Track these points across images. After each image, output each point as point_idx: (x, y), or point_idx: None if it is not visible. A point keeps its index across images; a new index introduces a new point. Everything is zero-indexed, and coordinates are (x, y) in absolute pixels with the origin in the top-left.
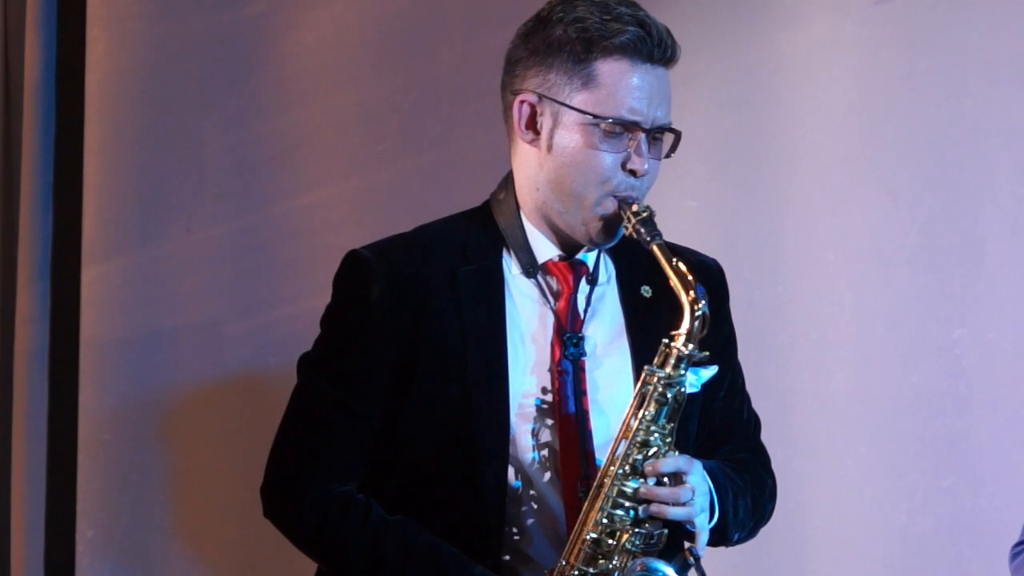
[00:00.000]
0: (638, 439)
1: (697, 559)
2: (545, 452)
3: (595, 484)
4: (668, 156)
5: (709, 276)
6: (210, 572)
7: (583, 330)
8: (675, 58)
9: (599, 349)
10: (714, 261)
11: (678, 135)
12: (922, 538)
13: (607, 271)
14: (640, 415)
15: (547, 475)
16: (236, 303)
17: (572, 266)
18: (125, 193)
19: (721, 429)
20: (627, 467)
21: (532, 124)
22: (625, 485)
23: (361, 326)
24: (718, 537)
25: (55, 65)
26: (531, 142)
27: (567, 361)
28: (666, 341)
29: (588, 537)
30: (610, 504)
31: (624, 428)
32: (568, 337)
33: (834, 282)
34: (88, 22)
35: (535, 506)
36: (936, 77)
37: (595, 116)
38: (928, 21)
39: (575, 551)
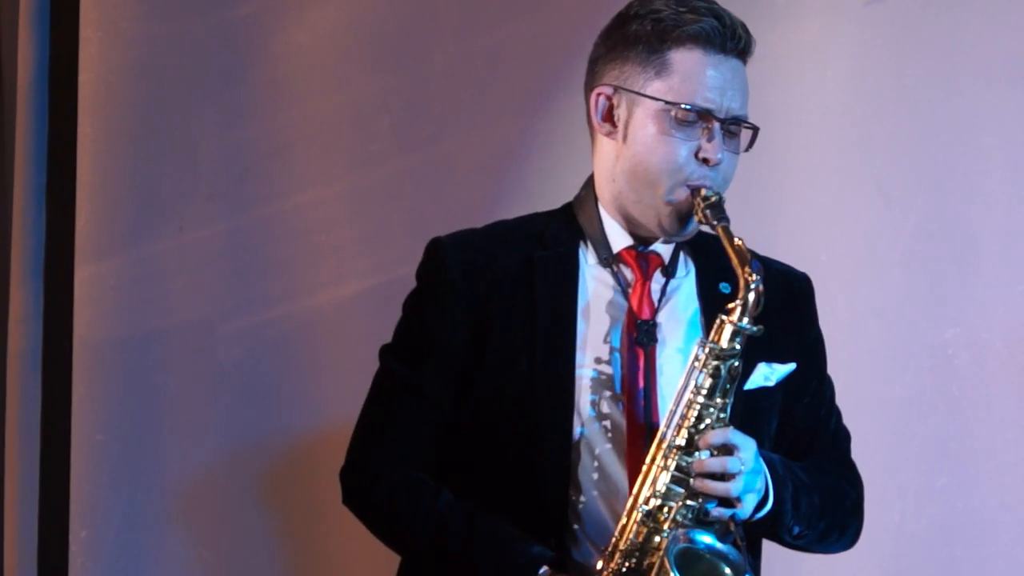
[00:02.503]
0: (691, 413)
1: (738, 525)
2: (612, 433)
3: (648, 459)
4: (747, 150)
5: (790, 283)
6: (203, 572)
7: (655, 318)
8: (749, 50)
9: (671, 338)
10: (802, 274)
11: (756, 130)
12: (915, 538)
13: (686, 267)
14: (693, 387)
15: (613, 455)
16: (229, 303)
17: (647, 256)
18: (118, 193)
19: (805, 437)
20: (679, 440)
21: (609, 116)
22: (677, 458)
23: (435, 306)
24: (775, 527)
25: (48, 65)
26: (608, 134)
27: (638, 347)
28: (721, 316)
29: (641, 510)
30: (662, 477)
31: (676, 401)
32: (640, 324)
33: (826, 282)
34: (81, 22)
35: (599, 487)
36: (928, 77)
37: (667, 103)
38: (920, 21)
39: (629, 523)
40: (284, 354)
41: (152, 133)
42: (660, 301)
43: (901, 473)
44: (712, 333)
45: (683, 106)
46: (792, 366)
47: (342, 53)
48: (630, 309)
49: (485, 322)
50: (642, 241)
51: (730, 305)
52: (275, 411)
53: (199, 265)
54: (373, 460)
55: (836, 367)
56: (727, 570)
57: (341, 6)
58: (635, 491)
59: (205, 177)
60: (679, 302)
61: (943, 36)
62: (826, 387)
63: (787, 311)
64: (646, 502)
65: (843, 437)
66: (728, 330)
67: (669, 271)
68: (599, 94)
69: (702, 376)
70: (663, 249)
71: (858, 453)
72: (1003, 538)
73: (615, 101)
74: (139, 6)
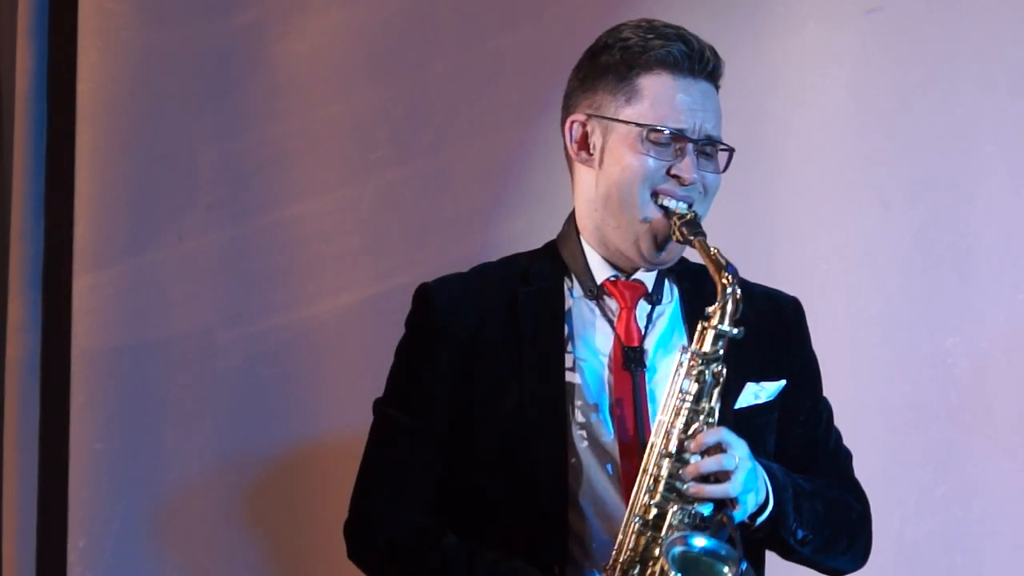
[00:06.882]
0: (679, 420)
1: (731, 519)
2: (605, 459)
3: (640, 469)
4: (723, 171)
5: (777, 305)
6: None
7: (643, 345)
8: (718, 72)
9: (659, 363)
10: (791, 297)
11: (731, 151)
12: (915, 546)
13: (671, 293)
14: (680, 393)
15: (608, 480)
16: (228, 312)
17: (631, 285)
18: (117, 202)
19: (803, 457)
20: (670, 447)
21: (584, 144)
22: (669, 465)
23: (425, 351)
24: (779, 529)
25: (47, 74)
26: (585, 162)
27: (627, 372)
28: (702, 322)
29: (636, 521)
30: (655, 485)
31: (664, 409)
32: (627, 350)
33: (826, 291)
34: (80, 31)
35: (597, 512)
36: (928, 85)
37: (639, 125)
38: (920, 29)
39: (627, 535)
40: (283, 363)
41: (151, 142)
42: (646, 328)
43: (901, 481)
44: (695, 339)
45: (655, 128)
46: (782, 383)
47: (341, 62)
48: (617, 337)
49: (474, 360)
50: (624, 271)
51: (710, 310)
52: (274, 420)
53: (198, 274)
54: (376, 509)
55: (836, 375)
56: (725, 569)
57: (340, 15)
58: (630, 502)
59: (204, 186)
60: (665, 328)
61: (943, 44)
62: (823, 407)
63: (774, 332)
64: (642, 512)
65: (843, 456)
66: (710, 334)
67: (653, 298)
68: (572, 122)
69: (687, 382)
70: (646, 277)
71: (858, 461)
72: (1002, 546)
73: (589, 128)
74: (138, 15)
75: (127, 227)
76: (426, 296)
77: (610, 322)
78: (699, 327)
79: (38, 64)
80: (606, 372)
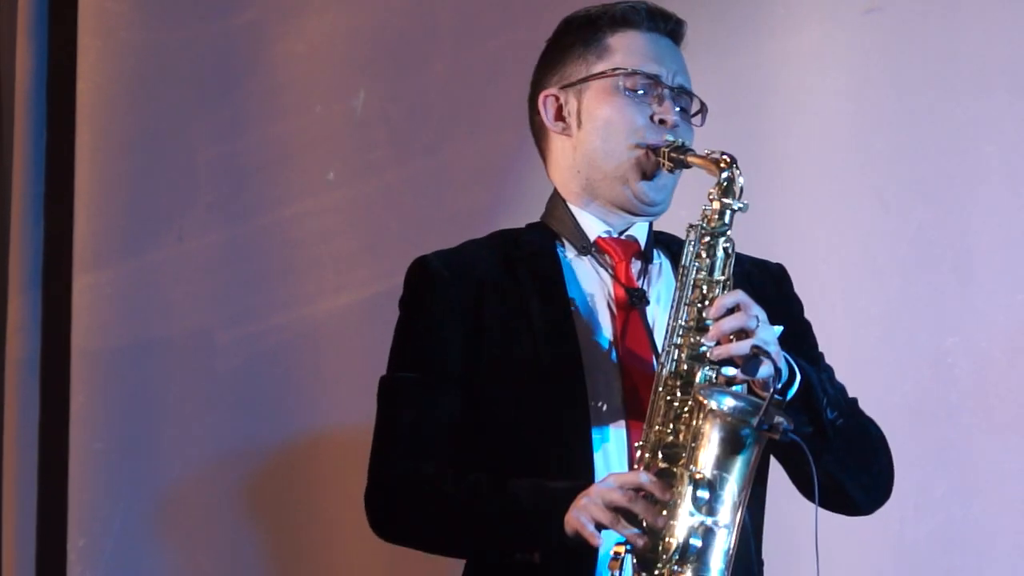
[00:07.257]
0: (696, 294)
1: (763, 378)
2: (616, 392)
3: (662, 347)
4: (700, 125)
5: (765, 266)
6: None
7: (642, 288)
8: (680, 31)
9: (657, 307)
10: (776, 263)
11: (704, 105)
12: (914, 547)
13: (659, 258)
14: (693, 268)
15: (622, 413)
16: (227, 311)
17: (623, 242)
18: (116, 202)
19: None
20: (690, 319)
21: (560, 116)
22: (690, 335)
23: (427, 311)
24: (811, 402)
25: (46, 74)
26: (563, 131)
27: (632, 309)
28: (706, 204)
29: (663, 392)
30: (678, 355)
31: (681, 285)
32: (629, 290)
33: (826, 291)
34: (79, 31)
35: (614, 448)
36: (927, 86)
37: (613, 73)
38: (919, 30)
39: (656, 412)
40: (283, 363)
41: (150, 141)
42: (642, 280)
43: (901, 481)
44: (701, 217)
45: (630, 72)
46: (779, 328)
47: (340, 62)
48: (616, 281)
49: (479, 318)
50: (617, 229)
51: (711, 189)
52: (274, 420)
53: (198, 274)
54: (394, 468)
55: (836, 376)
56: (753, 421)
57: (339, 15)
58: (655, 379)
59: (204, 186)
60: (659, 282)
61: (942, 45)
62: (820, 356)
63: (762, 288)
64: (668, 383)
65: (853, 399)
66: (715, 207)
67: (646, 256)
68: (546, 96)
69: (699, 258)
70: (639, 235)
71: None
72: (1002, 546)
73: (562, 100)
74: (137, 15)
75: (127, 227)
76: (425, 263)
77: (608, 270)
78: (703, 208)
79: (38, 64)
80: (608, 312)
